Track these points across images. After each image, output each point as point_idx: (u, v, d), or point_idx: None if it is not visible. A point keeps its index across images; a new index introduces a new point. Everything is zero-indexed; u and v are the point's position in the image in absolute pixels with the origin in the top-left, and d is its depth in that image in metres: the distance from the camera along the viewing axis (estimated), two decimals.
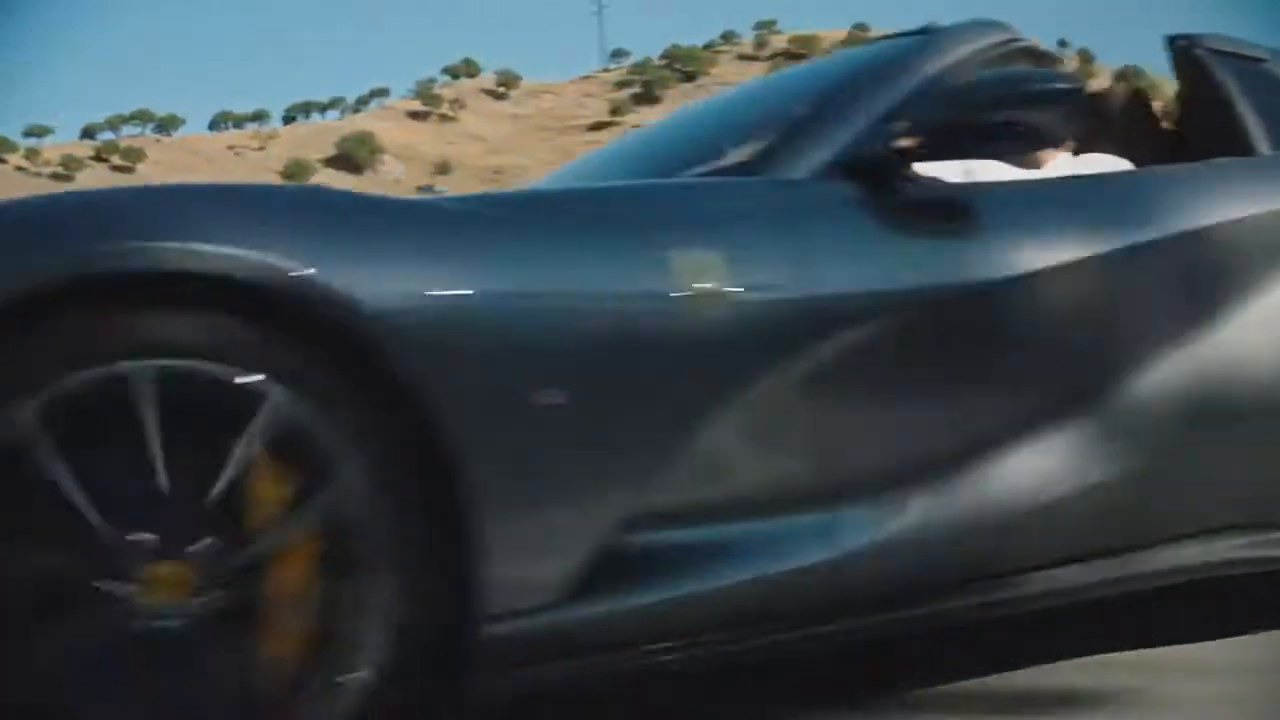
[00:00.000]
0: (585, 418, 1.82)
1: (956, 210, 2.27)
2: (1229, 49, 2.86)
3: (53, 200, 1.83)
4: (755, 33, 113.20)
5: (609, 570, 1.83)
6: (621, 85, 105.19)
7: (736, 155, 2.50)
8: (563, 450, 1.83)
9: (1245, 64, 2.86)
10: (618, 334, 1.89)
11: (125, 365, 1.57)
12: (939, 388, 2.22)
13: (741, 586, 1.91)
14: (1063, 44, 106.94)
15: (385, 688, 1.66)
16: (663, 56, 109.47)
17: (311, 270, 1.65)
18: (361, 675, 1.64)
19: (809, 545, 1.98)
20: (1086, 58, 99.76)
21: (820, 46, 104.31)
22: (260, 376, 1.62)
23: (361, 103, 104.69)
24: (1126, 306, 2.44)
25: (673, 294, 1.91)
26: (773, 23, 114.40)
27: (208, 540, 1.59)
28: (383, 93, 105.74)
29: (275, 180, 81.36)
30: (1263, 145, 2.69)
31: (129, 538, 1.56)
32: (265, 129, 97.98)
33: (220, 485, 1.60)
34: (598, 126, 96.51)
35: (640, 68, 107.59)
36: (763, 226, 2.10)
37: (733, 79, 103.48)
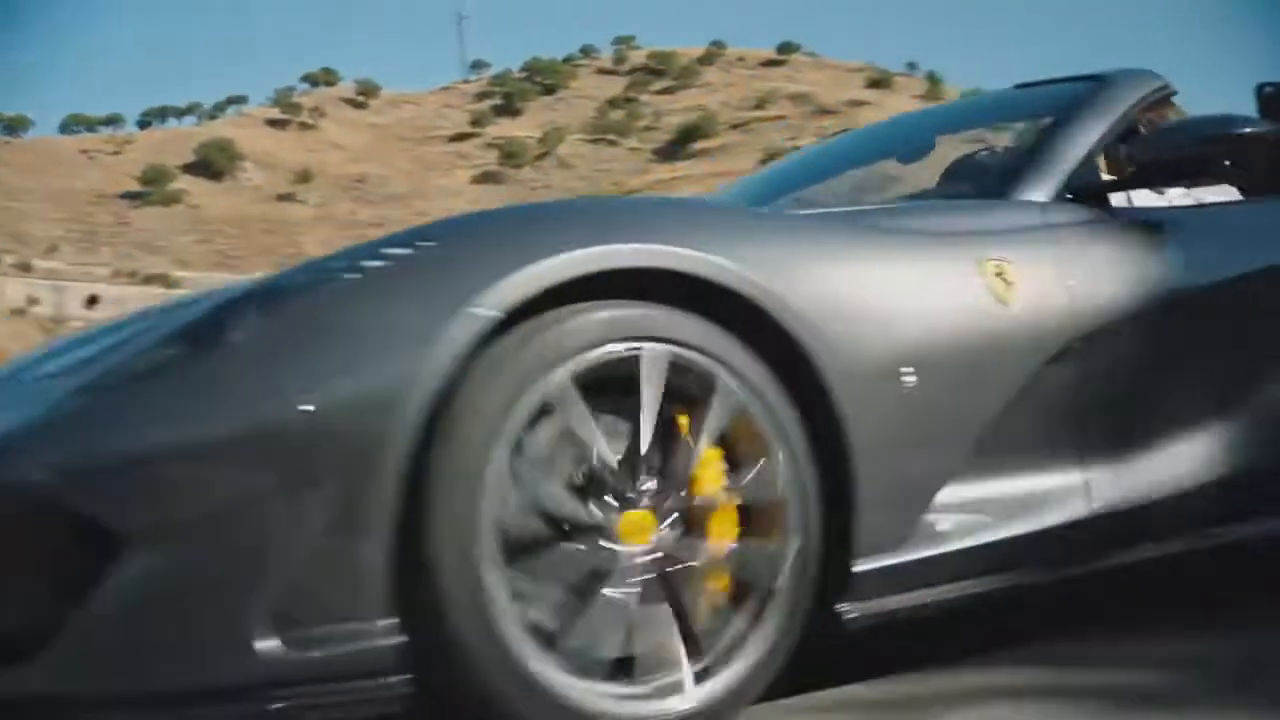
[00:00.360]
0: (928, 393, 2.17)
1: (1159, 229, 2.67)
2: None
3: (596, 202, 2.59)
4: (614, 47, 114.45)
5: (938, 520, 2.21)
6: (482, 97, 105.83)
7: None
8: (913, 421, 2.17)
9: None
10: (945, 324, 2.25)
11: (643, 346, 1.90)
12: (1162, 373, 2.60)
13: (1025, 534, 2.27)
14: (912, 66, 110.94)
15: (788, 622, 1.98)
16: (523, 69, 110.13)
17: (759, 275, 2.01)
18: (773, 612, 1.97)
19: (1072, 500, 2.36)
20: (935, 80, 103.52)
21: (678, 62, 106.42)
22: (720, 366, 1.95)
23: (219, 109, 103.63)
24: (1236, 321, 2.79)
25: (981, 292, 2.29)
26: (631, 38, 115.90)
27: (667, 496, 1.92)
28: (240, 99, 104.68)
29: (134, 185, 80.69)
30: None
31: (616, 485, 1.87)
32: (120, 133, 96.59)
33: (682, 452, 1.93)
34: (459, 137, 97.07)
35: (500, 79, 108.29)
36: (1035, 238, 2.46)
37: (592, 92, 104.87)
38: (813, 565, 2.05)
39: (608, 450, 1.89)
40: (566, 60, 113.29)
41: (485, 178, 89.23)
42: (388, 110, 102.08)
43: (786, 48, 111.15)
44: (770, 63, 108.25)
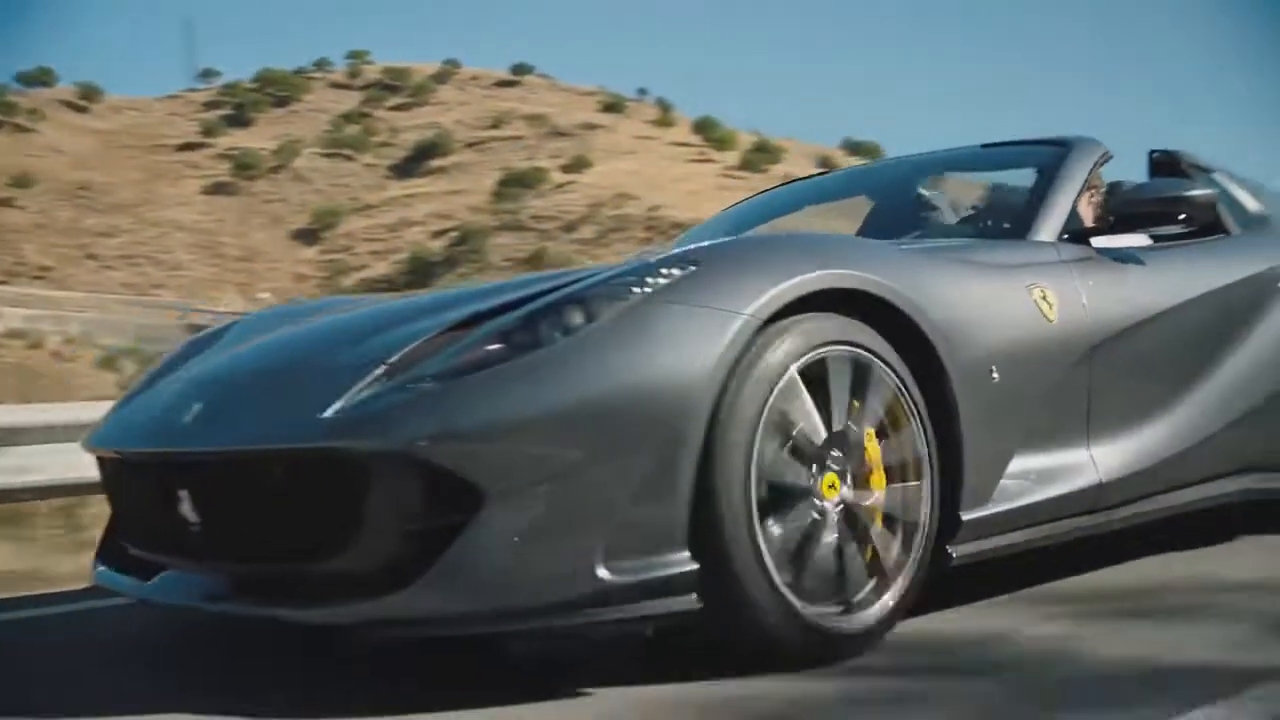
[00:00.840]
0: (1006, 387, 2.84)
1: (1129, 262, 3.39)
2: (1193, 161, 3.99)
3: (806, 237, 3.13)
4: (348, 62, 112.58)
5: (1006, 483, 2.88)
6: (211, 106, 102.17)
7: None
8: (997, 408, 2.83)
9: (1204, 171, 4.02)
10: (1016, 334, 2.93)
11: (838, 349, 2.51)
12: (1141, 371, 3.32)
13: (1058, 496, 3.01)
14: (642, 92, 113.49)
15: (925, 554, 2.64)
16: (255, 80, 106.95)
17: (914, 295, 2.67)
18: (917, 546, 2.62)
19: (1084, 470, 3.08)
20: (665, 107, 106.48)
21: (412, 79, 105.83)
22: (881, 363, 2.57)
23: None
24: (1225, 319, 3.61)
25: (1034, 311, 2.99)
26: (366, 53, 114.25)
27: (848, 462, 2.54)
28: None
29: None
30: (1235, 228, 3.90)
31: (819, 455, 2.48)
32: None
33: (855, 426, 2.54)
34: (188, 147, 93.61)
35: (231, 89, 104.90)
36: (1055, 270, 3.15)
37: (326, 105, 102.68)
38: (936, 513, 2.68)
39: (819, 429, 2.50)
40: (299, 72, 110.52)
41: (217, 189, 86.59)
42: (111, 116, 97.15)
43: (521, 69, 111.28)
44: (504, 83, 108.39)
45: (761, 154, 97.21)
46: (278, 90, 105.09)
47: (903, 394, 2.63)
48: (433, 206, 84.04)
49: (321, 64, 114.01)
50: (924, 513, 2.67)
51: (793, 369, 2.43)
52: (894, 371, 2.62)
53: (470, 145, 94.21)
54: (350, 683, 2.64)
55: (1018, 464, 2.94)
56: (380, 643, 2.74)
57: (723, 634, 2.45)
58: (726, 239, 3.09)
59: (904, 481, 2.64)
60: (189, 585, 2.71)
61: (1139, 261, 3.44)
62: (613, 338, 2.31)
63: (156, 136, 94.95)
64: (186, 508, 2.56)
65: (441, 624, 2.29)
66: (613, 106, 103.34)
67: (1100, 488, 3.14)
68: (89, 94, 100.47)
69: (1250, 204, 3.71)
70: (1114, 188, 3.67)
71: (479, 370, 2.28)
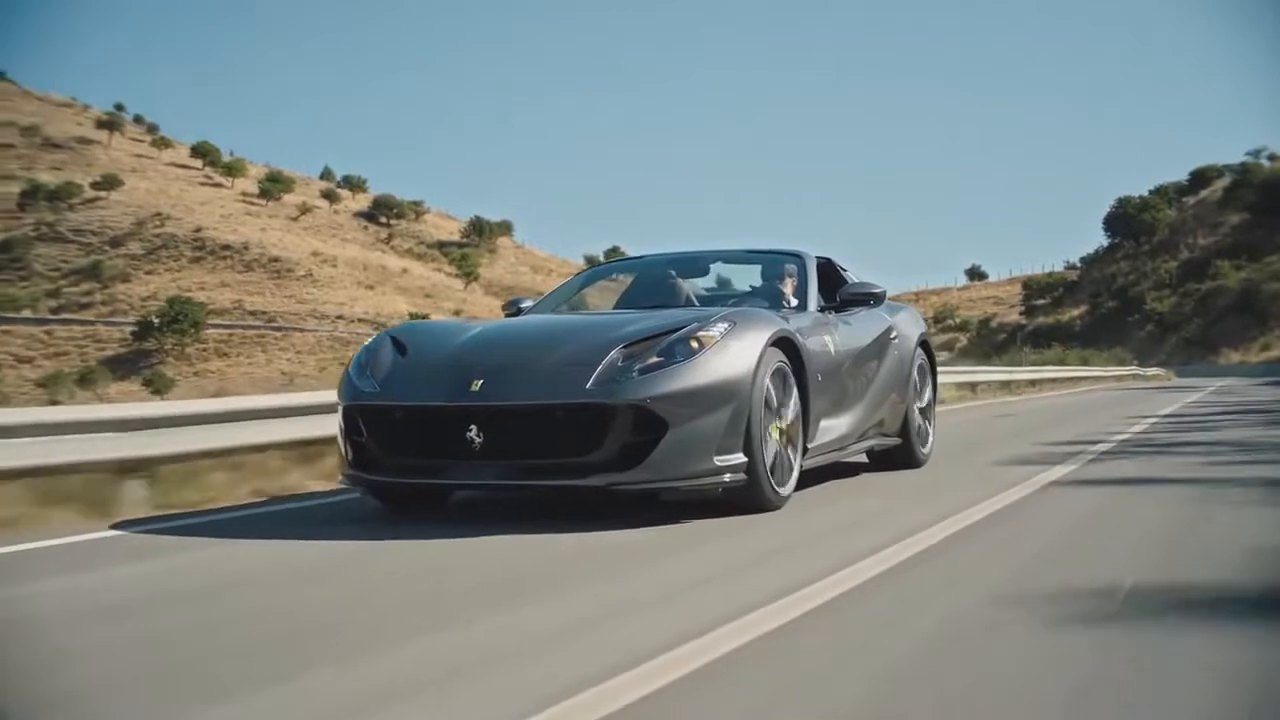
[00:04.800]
0: (821, 384, 5.89)
1: (847, 321, 6.62)
2: (839, 265, 7.41)
3: None
4: None
5: (820, 431, 5.97)
6: None
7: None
8: (819, 394, 5.82)
9: (844, 269, 7.47)
10: (824, 358, 6.03)
11: (778, 363, 5.35)
12: (848, 378, 6.39)
13: (833, 438, 6.26)
14: (119, 108, 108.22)
15: (800, 459, 5.62)
16: None
17: (797, 335, 5.59)
18: (798, 455, 5.56)
19: (838, 428, 6.27)
20: (152, 127, 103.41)
21: None
22: (789, 369, 5.46)
23: None
24: (876, 353, 6.91)
25: (828, 345, 6.19)
26: None
27: (780, 413, 5.35)
28: None
29: None
30: (879, 306, 6.95)
31: (776, 411, 5.30)
32: None
33: (782, 398, 5.37)
34: None
35: None
36: (828, 326, 6.35)
37: None
38: (802, 442, 5.60)
39: (775, 400, 5.27)
40: None
41: None
42: None
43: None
44: None
45: (275, 183, 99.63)
46: None
47: (796, 385, 5.49)
48: None
49: None
50: (800, 441, 5.56)
51: (770, 371, 5.14)
52: (793, 375, 5.44)
53: None
54: (574, 517, 5.17)
55: (822, 424, 5.95)
56: (612, 494, 4.96)
57: (744, 496, 5.08)
58: (738, 309, 5.78)
59: (795, 425, 5.48)
60: (481, 473, 4.90)
61: (848, 323, 6.67)
62: (711, 355, 4.91)
63: None
64: (473, 434, 4.80)
65: (644, 485, 4.77)
66: (109, 123, 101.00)
67: (843, 437, 6.30)
68: None
69: (875, 290, 6.70)
70: (842, 281, 7.15)
71: (656, 370, 4.79)
